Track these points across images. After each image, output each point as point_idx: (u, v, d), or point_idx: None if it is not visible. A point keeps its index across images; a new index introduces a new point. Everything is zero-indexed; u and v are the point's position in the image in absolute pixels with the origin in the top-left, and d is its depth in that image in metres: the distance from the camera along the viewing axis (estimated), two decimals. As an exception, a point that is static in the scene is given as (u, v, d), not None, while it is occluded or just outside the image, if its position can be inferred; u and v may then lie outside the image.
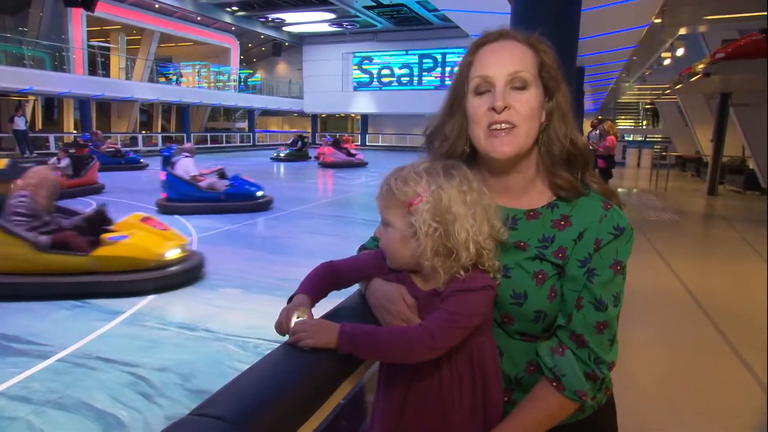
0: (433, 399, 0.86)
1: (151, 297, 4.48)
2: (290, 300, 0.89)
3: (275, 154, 20.38)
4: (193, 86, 26.16)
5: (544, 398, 0.85)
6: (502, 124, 0.83)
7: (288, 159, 19.84)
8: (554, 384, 0.84)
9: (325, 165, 17.61)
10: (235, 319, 4.03)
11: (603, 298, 0.82)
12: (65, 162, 10.27)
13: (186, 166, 8.51)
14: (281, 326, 0.84)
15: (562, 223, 0.86)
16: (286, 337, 0.82)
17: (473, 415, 0.86)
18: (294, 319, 0.82)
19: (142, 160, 16.04)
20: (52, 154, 17.09)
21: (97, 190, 11.00)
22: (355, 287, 1.03)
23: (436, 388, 0.85)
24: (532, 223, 0.88)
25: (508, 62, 0.84)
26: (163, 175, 8.56)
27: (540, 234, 0.86)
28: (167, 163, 8.62)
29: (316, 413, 0.74)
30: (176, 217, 8.18)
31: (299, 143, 20.66)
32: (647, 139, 23.15)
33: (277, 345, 0.81)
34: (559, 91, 0.87)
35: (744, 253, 5.76)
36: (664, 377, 2.78)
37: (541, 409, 0.85)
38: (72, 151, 10.79)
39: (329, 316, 0.91)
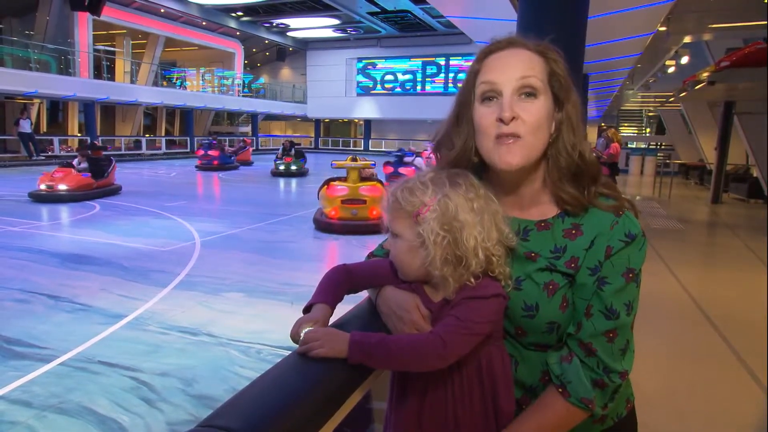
0: (447, 407, 0.85)
1: (153, 300, 4.47)
2: (307, 309, 0.87)
3: (279, 167, 16.07)
4: (197, 90, 26.26)
5: (551, 405, 0.84)
6: (509, 137, 0.81)
7: (288, 173, 15.85)
8: (560, 390, 0.83)
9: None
10: (237, 324, 4.01)
11: (614, 306, 0.80)
12: (84, 165, 10.50)
13: (421, 163, 10.98)
14: (293, 336, 0.82)
15: (573, 232, 0.84)
16: (293, 346, 0.81)
17: (485, 423, 0.85)
18: (305, 329, 0.81)
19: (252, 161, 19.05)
20: (57, 157, 17.29)
21: (115, 191, 11.16)
22: (361, 295, 1.02)
23: (450, 396, 0.85)
24: (543, 233, 0.86)
25: (517, 68, 0.82)
26: (388, 170, 11.42)
27: (552, 245, 0.85)
28: (402, 162, 11.72)
29: (326, 424, 0.73)
30: (178, 220, 8.21)
31: (292, 150, 16.69)
32: (650, 147, 23.15)
33: (279, 350, 0.80)
34: (569, 102, 0.85)
35: (748, 262, 5.73)
36: (670, 386, 2.76)
37: (547, 416, 0.84)
38: (89, 153, 10.99)
39: (339, 324, 0.90)
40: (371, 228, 7.24)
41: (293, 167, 15.91)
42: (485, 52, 0.86)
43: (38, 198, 9.64)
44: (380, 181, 8.26)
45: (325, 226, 7.54)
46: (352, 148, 31.95)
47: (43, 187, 9.76)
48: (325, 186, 7.81)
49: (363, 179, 8.00)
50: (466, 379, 0.84)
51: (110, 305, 4.34)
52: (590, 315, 0.81)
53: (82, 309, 4.26)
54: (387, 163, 13.04)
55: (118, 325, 3.93)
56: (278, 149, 17.63)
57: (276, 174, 15.89)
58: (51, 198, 9.66)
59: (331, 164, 8.94)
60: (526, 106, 0.81)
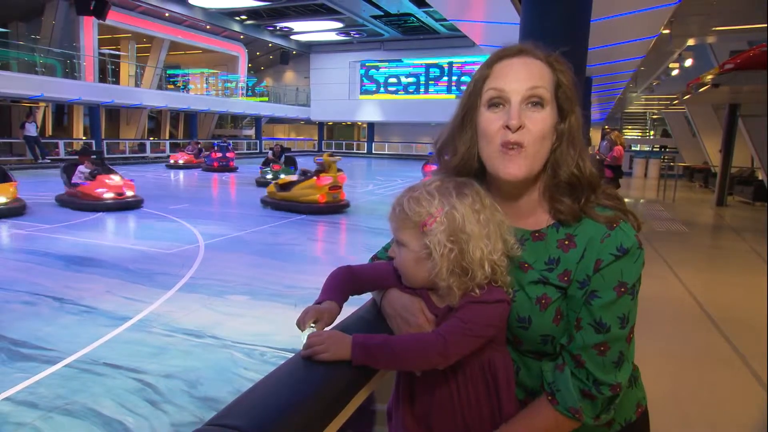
0: (454, 409, 0.86)
1: (158, 302, 4.49)
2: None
3: (268, 175, 13.52)
4: (201, 93, 26.37)
5: (540, 412, 0.84)
6: (514, 145, 0.81)
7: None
8: (549, 398, 0.83)
9: None
10: (241, 326, 4.03)
11: (603, 320, 0.79)
12: (87, 170, 10.19)
13: None
14: (299, 323, 0.82)
15: (567, 243, 0.84)
16: (296, 348, 0.82)
17: (493, 425, 0.86)
18: (308, 328, 0.82)
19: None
20: (62, 160, 17.40)
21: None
22: (365, 297, 1.02)
23: (456, 398, 0.86)
24: (538, 244, 0.86)
25: (527, 78, 0.81)
26: (429, 168, 12.09)
27: (546, 256, 0.85)
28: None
29: (331, 423, 0.73)
30: (182, 222, 8.24)
31: (282, 157, 14.18)
32: (654, 149, 23.09)
33: (283, 352, 0.81)
34: (573, 114, 0.85)
35: (754, 264, 5.70)
36: (675, 390, 2.75)
37: (536, 423, 0.84)
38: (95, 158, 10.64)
39: (342, 326, 0.91)
40: (343, 207, 9.89)
41: (282, 176, 12.78)
42: (495, 58, 0.86)
43: (105, 208, 9.10)
44: (341, 170, 10.21)
45: (316, 209, 9.48)
46: (355, 151, 31.98)
47: (109, 195, 9.29)
48: (316, 178, 9.66)
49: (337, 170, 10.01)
50: (471, 382, 0.85)
51: (115, 307, 4.36)
52: (580, 328, 0.81)
53: (88, 311, 4.29)
54: (428, 162, 13.30)
55: (123, 327, 3.95)
56: (267, 152, 13.85)
57: (262, 183, 13.40)
58: (121, 206, 9.26)
59: (316, 160, 10.32)
60: (533, 116, 0.81)
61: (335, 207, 9.70)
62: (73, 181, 9.80)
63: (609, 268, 0.79)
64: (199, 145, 19.96)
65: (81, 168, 10.09)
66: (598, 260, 0.80)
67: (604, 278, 0.79)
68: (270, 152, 14.77)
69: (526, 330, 0.85)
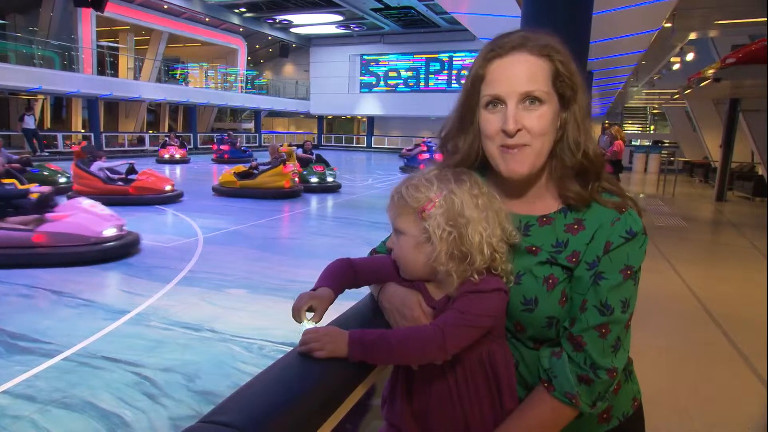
0: (453, 403, 0.85)
1: (156, 296, 4.48)
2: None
3: (309, 178, 11.56)
4: (200, 87, 26.26)
5: (538, 401, 0.84)
6: (515, 149, 0.81)
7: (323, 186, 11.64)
8: (545, 385, 0.83)
9: None
10: (240, 320, 4.02)
11: (609, 302, 0.79)
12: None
13: None
14: (295, 313, 0.81)
15: (576, 227, 0.84)
16: (295, 342, 0.81)
17: (494, 420, 0.86)
18: (305, 322, 0.81)
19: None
20: (61, 153, 17.35)
21: None
22: (362, 291, 1.01)
23: (455, 393, 0.85)
24: (545, 228, 0.86)
25: (521, 81, 0.80)
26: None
27: (553, 239, 0.85)
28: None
29: (328, 420, 0.72)
30: (181, 216, 8.22)
31: (313, 155, 12.55)
32: (654, 144, 23.06)
33: (282, 346, 0.79)
34: (576, 101, 0.84)
35: (753, 260, 5.70)
36: (673, 386, 2.74)
37: (535, 412, 0.83)
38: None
39: (340, 321, 0.90)
40: (300, 191, 10.90)
41: (329, 178, 11.66)
42: (488, 56, 0.84)
43: (166, 200, 9.45)
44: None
45: (283, 194, 10.48)
46: (355, 144, 31.91)
47: (169, 187, 9.59)
48: (282, 166, 10.57)
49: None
50: (470, 375, 0.85)
51: (113, 301, 4.36)
52: (584, 309, 0.81)
53: (86, 304, 4.28)
54: (422, 151, 13.85)
55: (121, 320, 3.94)
56: (296, 150, 11.96)
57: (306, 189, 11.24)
58: (176, 198, 9.72)
59: (278, 150, 11.11)
60: (531, 115, 0.81)
61: (297, 191, 10.79)
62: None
63: (617, 251, 0.80)
64: (180, 139, 19.75)
65: (100, 164, 9.36)
66: (607, 242, 0.81)
67: (612, 260, 0.80)
68: (299, 150, 12.58)
69: (532, 312, 0.84)
